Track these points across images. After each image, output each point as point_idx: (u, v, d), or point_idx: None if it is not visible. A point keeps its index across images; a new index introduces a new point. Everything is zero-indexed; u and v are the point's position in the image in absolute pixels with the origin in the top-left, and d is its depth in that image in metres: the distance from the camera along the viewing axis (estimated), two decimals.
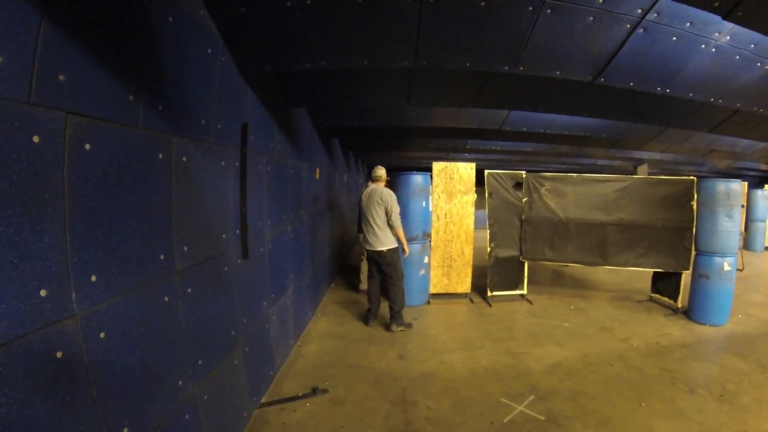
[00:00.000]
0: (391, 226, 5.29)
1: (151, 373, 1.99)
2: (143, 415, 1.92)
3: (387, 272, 5.39)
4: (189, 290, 2.38)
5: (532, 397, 3.67)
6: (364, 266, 6.69)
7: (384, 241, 5.29)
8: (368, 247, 5.41)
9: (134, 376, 1.86)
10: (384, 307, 5.60)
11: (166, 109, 2.13)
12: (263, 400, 3.53)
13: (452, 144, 9.69)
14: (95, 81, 1.65)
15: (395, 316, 5.32)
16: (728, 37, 3.29)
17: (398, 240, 5.39)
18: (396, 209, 5.28)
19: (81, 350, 1.55)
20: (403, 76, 4.44)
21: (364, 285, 6.73)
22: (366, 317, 5.62)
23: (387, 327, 5.34)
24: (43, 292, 1.40)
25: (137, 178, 1.92)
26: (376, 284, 5.59)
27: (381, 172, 5.52)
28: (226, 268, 2.88)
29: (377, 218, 5.28)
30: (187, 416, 2.29)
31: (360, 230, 6.08)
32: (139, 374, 1.90)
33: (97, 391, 1.62)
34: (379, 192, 5.33)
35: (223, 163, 2.82)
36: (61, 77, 1.47)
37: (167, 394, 2.13)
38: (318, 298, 6.30)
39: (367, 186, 5.58)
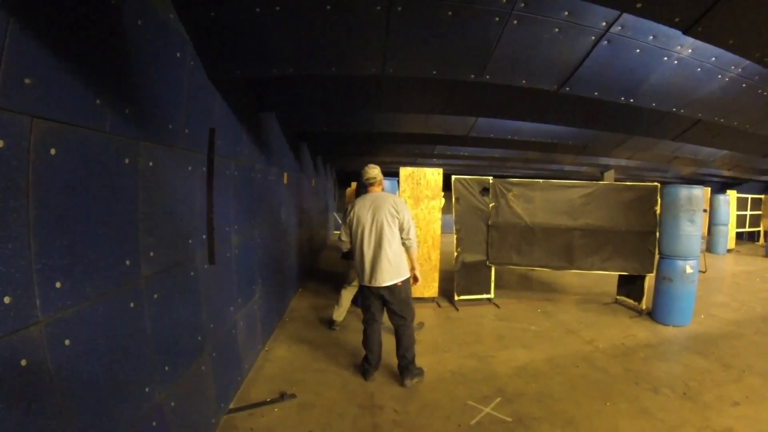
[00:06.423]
0: (406, 248, 3.95)
1: (118, 380, 1.97)
2: (110, 423, 1.88)
3: (399, 313, 3.94)
4: (155, 296, 2.35)
5: (498, 400, 3.73)
6: (346, 295, 5.53)
7: (400, 270, 3.88)
8: (373, 283, 3.85)
9: (100, 384, 1.83)
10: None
11: (133, 114, 2.11)
12: (231, 405, 3.50)
13: (420, 149, 9.76)
14: (62, 85, 1.63)
15: (409, 367, 3.98)
16: (690, 51, 3.44)
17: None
18: (413, 222, 3.96)
19: (46, 358, 1.53)
20: (372, 83, 4.46)
21: (339, 316, 5.50)
22: (365, 370, 4.11)
23: (401, 383, 3.97)
24: (7, 299, 1.38)
25: (103, 184, 1.90)
26: (378, 330, 4.12)
27: (375, 171, 4.04)
28: (192, 274, 2.85)
29: (392, 239, 3.83)
30: (154, 423, 2.26)
31: (347, 257, 4.58)
32: (105, 381, 1.87)
33: (63, 399, 1.59)
34: (391, 201, 3.90)
35: (190, 168, 2.80)
36: (27, 81, 1.45)
37: (134, 401, 2.10)
38: (286, 303, 6.25)
39: (361, 196, 4.08)
